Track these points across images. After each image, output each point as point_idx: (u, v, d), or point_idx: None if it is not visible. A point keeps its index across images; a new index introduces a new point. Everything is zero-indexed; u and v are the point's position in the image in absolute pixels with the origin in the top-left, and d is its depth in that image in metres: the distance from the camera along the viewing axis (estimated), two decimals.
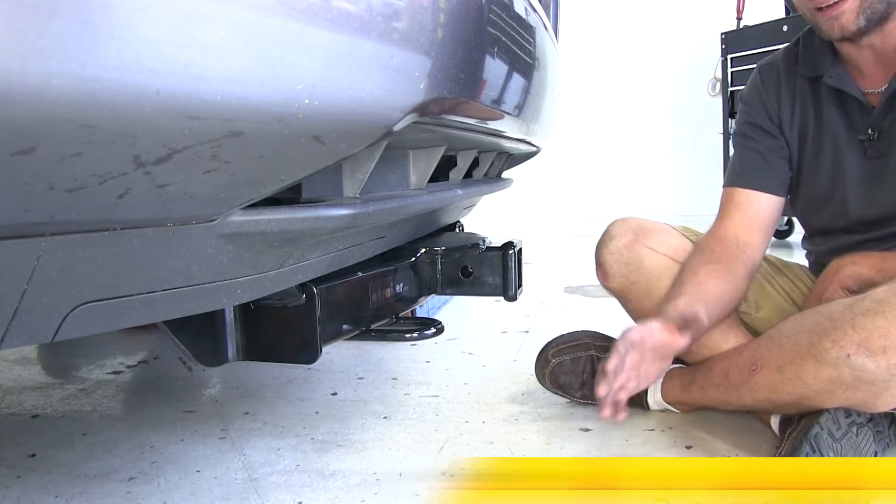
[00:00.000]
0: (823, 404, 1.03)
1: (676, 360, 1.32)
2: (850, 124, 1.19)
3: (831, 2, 1.06)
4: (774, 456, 1.04)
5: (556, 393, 1.38)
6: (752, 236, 1.25)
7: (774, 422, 1.15)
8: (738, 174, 1.30)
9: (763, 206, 1.27)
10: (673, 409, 1.31)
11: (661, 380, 1.30)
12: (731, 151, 1.38)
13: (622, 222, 1.36)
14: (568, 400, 1.38)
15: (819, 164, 1.24)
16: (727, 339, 1.24)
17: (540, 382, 1.39)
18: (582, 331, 1.40)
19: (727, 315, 1.22)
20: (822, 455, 0.99)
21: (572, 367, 1.36)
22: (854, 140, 1.18)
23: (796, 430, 1.05)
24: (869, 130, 1.16)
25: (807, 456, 0.99)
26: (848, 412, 1.03)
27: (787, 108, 1.26)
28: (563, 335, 1.40)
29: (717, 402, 1.21)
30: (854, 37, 1.09)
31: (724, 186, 1.33)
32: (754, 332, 1.27)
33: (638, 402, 1.33)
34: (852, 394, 0.98)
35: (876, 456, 1.02)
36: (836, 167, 1.22)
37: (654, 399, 1.31)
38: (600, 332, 1.41)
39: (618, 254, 1.32)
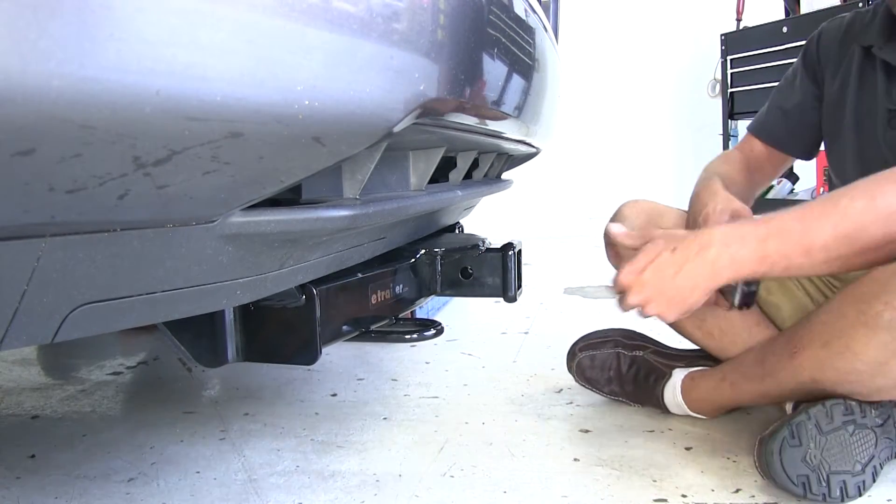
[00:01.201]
0: (873, 379, 0.97)
1: (700, 362, 1.32)
2: (888, 93, 1.20)
3: None
4: (759, 437, 1.04)
5: (585, 387, 1.40)
6: (759, 169, 1.41)
7: (788, 408, 1.15)
8: (761, 126, 1.42)
9: (773, 156, 1.41)
10: (694, 413, 1.29)
11: (679, 381, 1.29)
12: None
13: (634, 204, 1.36)
14: (597, 394, 1.40)
15: (853, 126, 1.26)
16: (752, 335, 1.24)
17: (570, 374, 1.41)
18: (613, 328, 1.41)
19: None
20: (800, 443, 0.99)
21: (598, 363, 1.37)
22: (886, 108, 1.20)
23: (789, 415, 1.05)
24: None
25: (784, 440, 0.99)
26: (849, 410, 1.02)
27: (832, 66, 1.30)
28: (595, 331, 1.42)
29: (753, 395, 1.18)
30: None
31: (748, 129, 1.45)
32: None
33: (656, 403, 1.33)
34: None
35: (871, 460, 1.02)
36: (867, 133, 1.24)
37: (675, 402, 1.30)
38: (633, 329, 1.41)
39: None
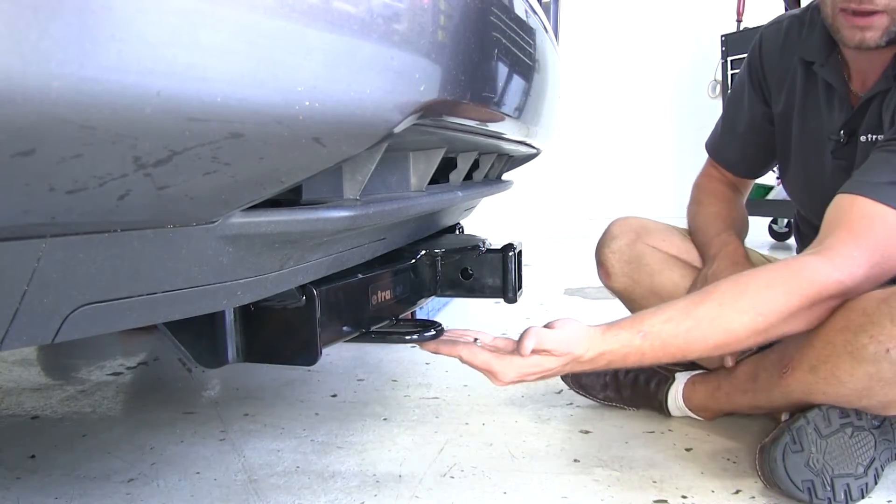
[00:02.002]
0: (860, 401, 1.00)
1: (697, 366, 1.32)
2: (832, 119, 1.17)
3: (865, 10, 1.00)
4: (759, 445, 1.04)
5: (579, 393, 1.39)
6: (736, 188, 1.43)
7: (784, 418, 1.15)
8: (718, 152, 1.41)
9: (737, 178, 1.42)
10: (695, 416, 1.30)
11: (682, 385, 1.29)
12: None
13: (623, 221, 1.37)
14: (592, 400, 1.38)
15: (800, 149, 1.24)
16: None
17: (563, 381, 1.41)
18: None
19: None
20: (802, 448, 0.99)
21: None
22: (829, 136, 1.18)
23: (787, 421, 1.05)
24: (840, 132, 1.14)
25: (786, 447, 0.99)
26: (845, 413, 1.03)
27: (777, 79, 1.27)
28: None
29: (746, 406, 1.20)
30: (867, 50, 1.05)
31: (706, 148, 1.44)
32: None
33: (658, 407, 1.33)
34: (890, 390, 0.96)
35: (873, 462, 1.02)
36: (810, 158, 1.22)
37: (676, 405, 1.30)
38: None
39: (620, 252, 1.33)
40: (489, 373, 0.92)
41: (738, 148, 1.36)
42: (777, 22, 1.28)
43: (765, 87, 1.29)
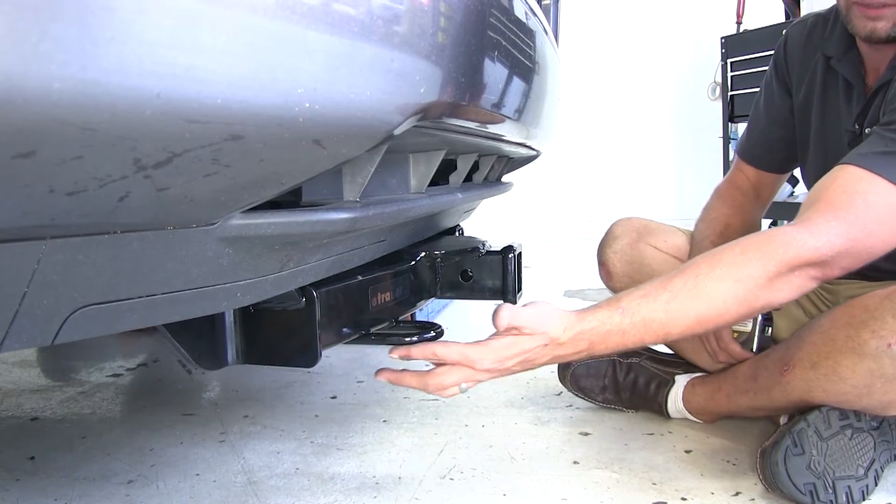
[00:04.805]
0: (860, 400, 1.00)
1: (697, 368, 1.32)
2: (850, 113, 1.18)
3: (877, 2, 1.02)
4: (760, 448, 1.04)
5: (578, 396, 1.39)
6: (758, 194, 1.40)
7: (783, 421, 1.15)
8: (746, 149, 1.40)
9: (764, 178, 1.39)
10: (695, 418, 1.29)
11: (681, 388, 1.29)
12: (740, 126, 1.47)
13: (625, 222, 1.37)
14: (591, 403, 1.38)
15: (819, 141, 1.24)
16: None
17: (563, 384, 1.40)
18: None
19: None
20: (803, 451, 0.99)
21: (593, 372, 1.36)
22: (846, 129, 1.18)
23: (787, 424, 1.05)
24: (855, 124, 1.15)
25: (787, 450, 0.99)
26: (844, 415, 1.03)
27: (798, 74, 1.27)
28: None
29: (746, 408, 1.20)
30: (878, 42, 1.07)
31: (735, 151, 1.43)
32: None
33: (657, 409, 1.33)
34: (891, 387, 0.96)
35: (872, 464, 1.02)
36: (830, 151, 1.22)
37: (676, 408, 1.30)
38: None
39: (621, 253, 1.33)
40: (466, 364, 0.90)
41: (762, 142, 1.36)
42: (802, 20, 1.30)
43: (788, 81, 1.30)
